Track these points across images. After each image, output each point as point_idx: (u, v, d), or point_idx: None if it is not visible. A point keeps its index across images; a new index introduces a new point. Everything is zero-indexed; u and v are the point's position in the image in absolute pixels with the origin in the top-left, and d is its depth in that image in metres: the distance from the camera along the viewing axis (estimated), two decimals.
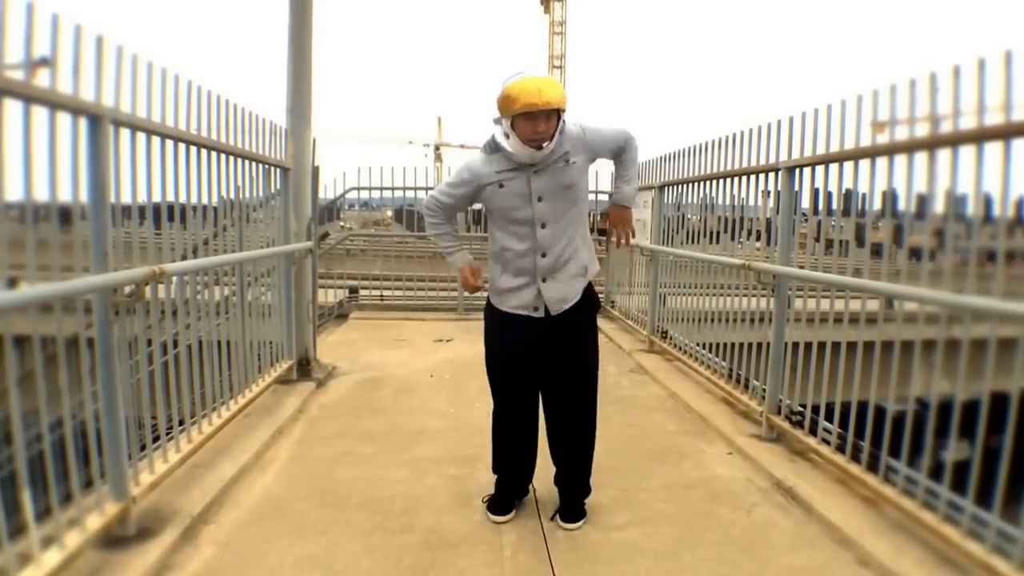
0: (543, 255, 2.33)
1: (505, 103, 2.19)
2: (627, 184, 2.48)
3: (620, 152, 2.44)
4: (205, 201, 2.95)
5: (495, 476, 2.60)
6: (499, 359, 2.48)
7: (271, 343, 3.86)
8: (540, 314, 2.36)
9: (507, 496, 2.54)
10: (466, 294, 7.09)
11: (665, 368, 4.74)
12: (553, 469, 2.56)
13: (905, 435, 2.37)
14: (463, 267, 2.51)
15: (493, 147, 2.32)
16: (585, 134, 2.33)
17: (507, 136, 2.24)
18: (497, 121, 2.28)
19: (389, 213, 14.41)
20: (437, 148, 54.51)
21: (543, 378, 2.46)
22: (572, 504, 2.48)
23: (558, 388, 2.44)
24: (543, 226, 2.31)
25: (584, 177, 2.38)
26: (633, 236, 2.55)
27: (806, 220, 3.49)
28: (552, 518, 2.48)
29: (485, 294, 2.52)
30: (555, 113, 2.19)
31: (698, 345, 4.50)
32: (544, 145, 2.21)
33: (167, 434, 2.56)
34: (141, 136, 2.36)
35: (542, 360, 2.41)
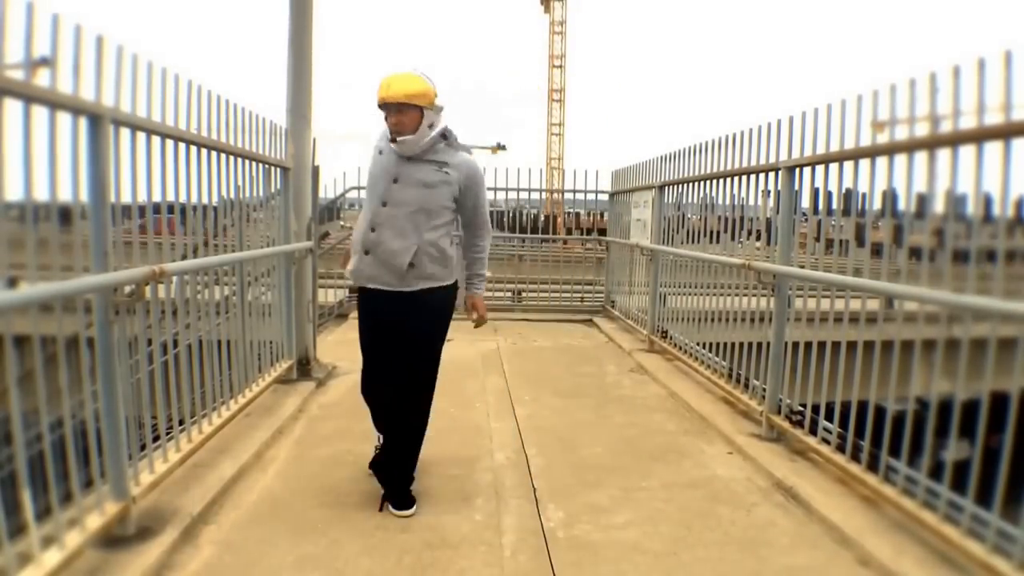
0: (372, 229, 2.46)
1: (377, 97, 2.41)
2: (478, 279, 2.76)
3: (473, 233, 2.62)
4: (205, 201, 2.95)
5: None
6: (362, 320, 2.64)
7: (271, 343, 3.86)
8: (350, 281, 2.56)
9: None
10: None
11: (665, 368, 4.74)
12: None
13: (905, 435, 2.37)
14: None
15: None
16: (470, 173, 2.50)
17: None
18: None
19: None
20: None
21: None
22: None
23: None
24: (384, 204, 2.45)
25: (445, 194, 2.46)
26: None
27: (806, 220, 3.50)
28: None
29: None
30: (406, 107, 2.33)
31: (698, 345, 4.50)
32: (399, 138, 2.36)
33: (167, 434, 2.56)
34: (141, 136, 2.35)
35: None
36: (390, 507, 2.50)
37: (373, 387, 2.66)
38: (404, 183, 2.43)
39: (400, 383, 2.54)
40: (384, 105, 2.37)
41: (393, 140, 2.39)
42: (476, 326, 2.74)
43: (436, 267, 2.50)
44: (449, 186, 2.46)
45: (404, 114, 2.34)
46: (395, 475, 2.56)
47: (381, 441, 2.70)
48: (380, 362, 2.58)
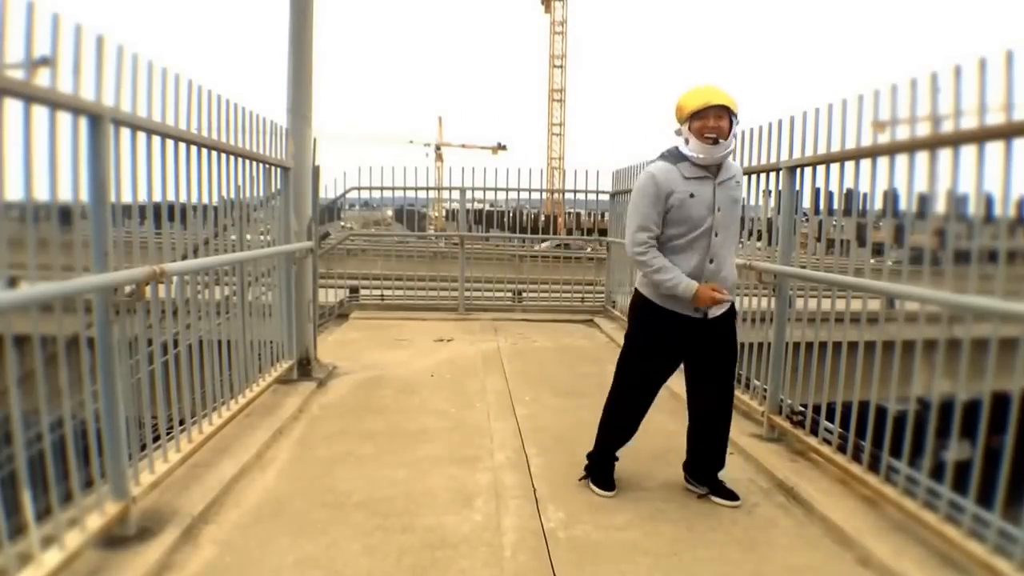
0: (711, 261, 2.52)
1: (679, 111, 2.50)
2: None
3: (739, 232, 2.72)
4: (206, 201, 2.95)
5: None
6: (651, 351, 2.66)
7: (271, 343, 3.86)
8: (700, 316, 2.55)
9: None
10: (466, 293, 7.10)
11: None
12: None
13: (906, 435, 2.37)
14: (699, 289, 2.48)
15: (677, 156, 2.54)
16: (740, 177, 2.64)
17: (687, 142, 2.49)
18: (678, 132, 2.54)
19: (389, 213, 14.43)
20: (438, 148, 54.57)
21: (691, 368, 2.71)
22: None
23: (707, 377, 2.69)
24: (717, 235, 2.51)
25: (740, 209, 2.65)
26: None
27: (807, 220, 3.49)
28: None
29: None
30: (724, 111, 2.44)
31: None
32: (720, 141, 2.43)
33: (167, 434, 2.56)
34: (141, 136, 2.36)
35: (691, 354, 2.67)
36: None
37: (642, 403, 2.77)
38: (724, 210, 2.54)
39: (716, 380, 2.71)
40: (703, 111, 2.43)
41: (715, 141, 2.43)
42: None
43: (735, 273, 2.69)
44: (740, 193, 2.64)
45: (722, 119, 2.45)
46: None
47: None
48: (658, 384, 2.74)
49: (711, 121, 2.41)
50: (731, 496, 2.64)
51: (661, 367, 2.68)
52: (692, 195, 2.47)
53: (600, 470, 2.76)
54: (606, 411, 2.79)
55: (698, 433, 2.74)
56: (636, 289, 2.67)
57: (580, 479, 2.79)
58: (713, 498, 2.65)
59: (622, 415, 2.76)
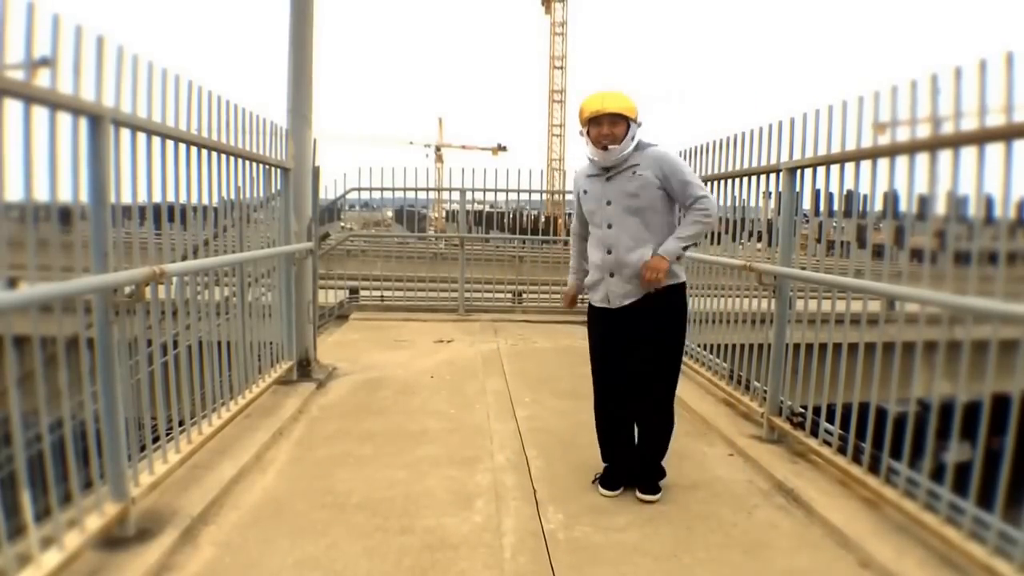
0: (608, 251, 2.62)
1: (579, 115, 2.62)
2: (674, 239, 2.58)
3: (688, 203, 2.58)
4: (206, 201, 2.95)
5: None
6: (591, 346, 2.79)
7: (271, 344, 3.86)
8: (609, 306, 2.65)
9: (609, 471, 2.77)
10: (466, 294, 7.10)
11: None
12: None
13: (906, 437, 2.36)
14: (567, 290, 2.92)
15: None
16: (663, 160, 2.59)
17: (587, 145, 2.61)
18: (581, 134, 2.64)
19: (389, 214, 14.43)
20: (438, 149, 54.56)
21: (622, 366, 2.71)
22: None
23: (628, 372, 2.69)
24: (609, 226, 2.62)
25: (651, 191, 2.57)
26: (658, 282, 2.56)
27: (807, 221, 3.49)
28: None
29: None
30: (618, 119, 2.53)
31: (699, 346, 4.50)
32: (611, 147, 2.53)
33: (167, 435, 2.56)
34: (141, 136, 2.35)
35: (616, 349, 2.69)
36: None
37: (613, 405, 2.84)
38: (616, 203, 2.61)
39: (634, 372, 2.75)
40: (594, 119, 2.55)
41: (606, 147, 2.54)
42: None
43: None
44: (647, 183, 2.58)
45: (616, 126, 2.54)
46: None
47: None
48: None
49: (604, 128, 2.53)
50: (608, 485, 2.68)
51: (598, 364, 2.76)
52: (585, 191, 2.70)
53: (604, 470, 2.78)
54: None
55: (629, 437, 2.77)
56: None
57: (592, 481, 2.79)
58: (599, 487, 2.71)
59: (595, 417, 2.84)
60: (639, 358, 2.63)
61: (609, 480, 2.71)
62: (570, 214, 10.00)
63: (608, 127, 2.53)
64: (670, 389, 2.72)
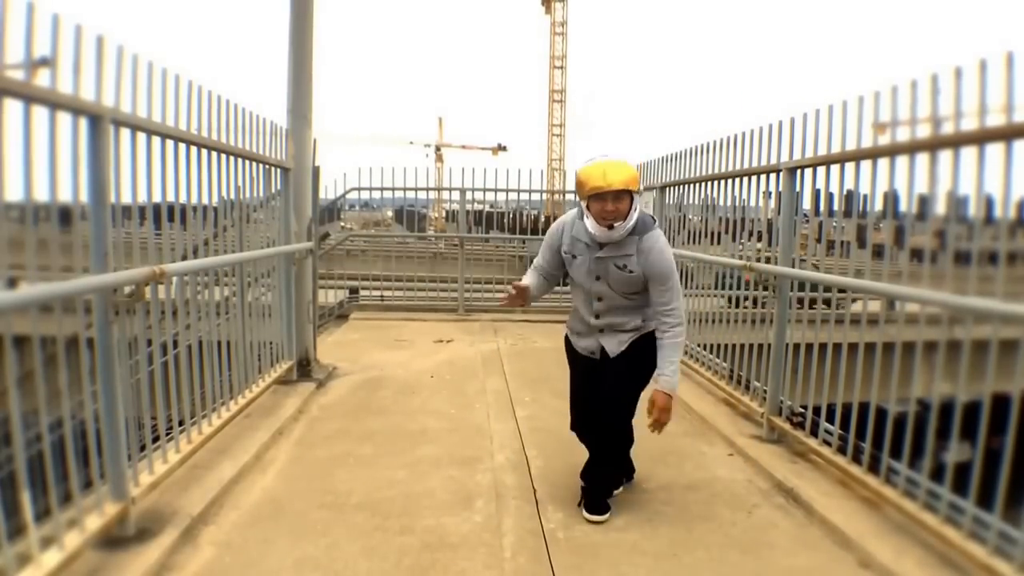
0: (597, 316, 2.56)
1: (578, 187, 2.43)
2: (667, 372, 2.46)
3: (659, 309, 2.47)
4: (205, 201, 2.94)
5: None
6: (574, 385, 2.74)
7: (271, 343, 3.86)
8: (597, 357, 2.60)
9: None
10: (466, 294, 7.09)
11: None
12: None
13: (906, 437, 2.36)
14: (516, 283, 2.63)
15: (580, 215, 2.50)
16: (655, 263, 2.42)
17: (587, 217, 2.43)
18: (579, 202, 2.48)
19: (389, 213, 14.43)
20: (438, 148, 54.56)
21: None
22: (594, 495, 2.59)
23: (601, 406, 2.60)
24: (599, 299, 2.53)
25: (638, 282, 2.45)
26: (665, 424, 2.51)
27: (807, 221, 3.49)
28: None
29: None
30: (623, 194, 2.34)
31: (699, 346, 4.50)
32: (616, 224, 2.36)
33: (167, 435, 2.56)
34: (141, 136, 2.35)
35: (598, 386, 2.62)
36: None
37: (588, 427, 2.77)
38: (604, 279, 2.49)
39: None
40: (597, 195, 2.34)
41: (610, 226, 2.36)
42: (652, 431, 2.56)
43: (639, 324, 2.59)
44: (636, 278, 2.46)
45: (620, 201, 2.36)
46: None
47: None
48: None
49: (609, 205, 2.34)
50: (593, 510, 2.52)
51: (579, 400, 2.70)
52: (574, 257, 2.52)
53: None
54: None
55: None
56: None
57: None
58: (584, 513, 2.53)
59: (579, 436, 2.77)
60: (614, 389, 2.56)
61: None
62: None
63: (612, 203, 2.34)
64: (624, 417, 2.64)
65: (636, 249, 2.42)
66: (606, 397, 2.57)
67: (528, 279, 2.64)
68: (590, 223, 2.41)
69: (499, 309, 7.17)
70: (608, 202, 2.34)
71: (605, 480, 2.61)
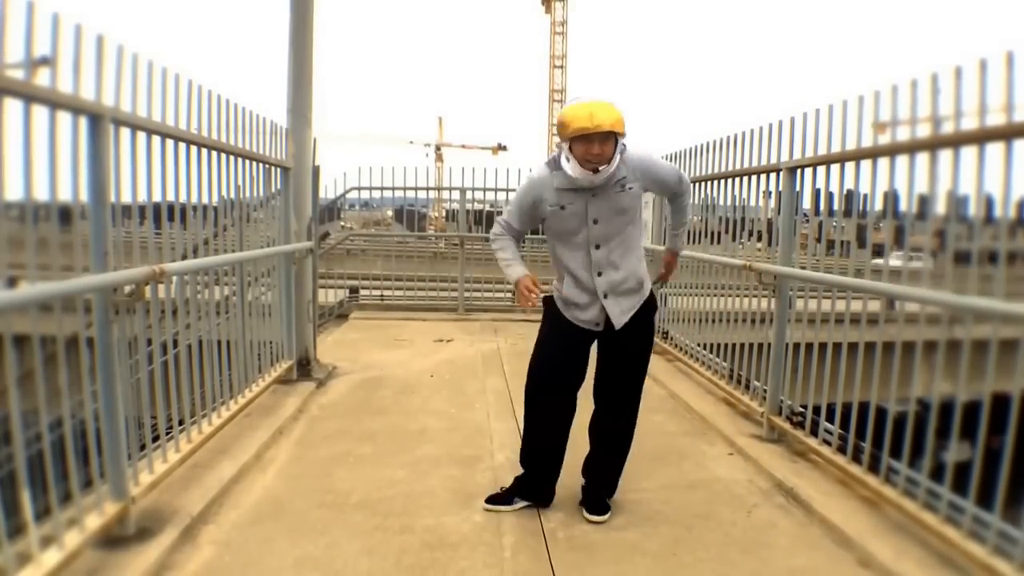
0: (599, 274, 2.39)
1: (560, 128, 2.27)
2: (681, 234, 2.69)
3: (676, 196, 2.55)
4: (205, 201, 2.95)
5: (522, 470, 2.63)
6: (550, 361, 2.53)
7: (271, 343, 3.86)
8: (601, 328, 2.45)
9: (527, 490, 2.58)
10: (466, 294, 7.09)
11: (666, 368, 4.73)
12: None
13: (906, 436, 2.36)
14: (520, 279, 2.46)
15: (556, 164, 2.36)
16: (648, 167, 2.39)
17: (567, 160, 2.29)
18: (559, 145, 2.35)
19: (389, 213, 14.42)
20: (438, 148, 54.55)
21: (599, 381, 2.56)
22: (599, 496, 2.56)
23: (610, 391, 2.55)
24: (597, 247, 2.38)
25: (638, 202, 2.42)
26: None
27: (807, 221, 3.49)
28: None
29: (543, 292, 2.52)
30: (610, 136, 2.23)
31: (699, 346, 4.50)
32: (601, 168, 2.25)
33: (167, 434, 2.56)
34: (141, 135, 2.35)
35: (583, 362, 2.53)
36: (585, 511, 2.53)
37: (562, 416, 2.64)
38: (604, 221, 2.37)
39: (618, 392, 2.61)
40: (583, 136, 2.21)
41: (595, 169, 2.25)
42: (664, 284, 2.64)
43: (642, 274, 2.51)
44: (636, 195, 2.39)
45: (606, 143, 2.24)
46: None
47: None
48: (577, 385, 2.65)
49: (595, 148, 2.21)
50: (596, 511, 2.50)
51: (562, 372, 2.55)
52: (563, 207, 2.35)
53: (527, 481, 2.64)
54: None
55: (590, 457, 2.61)
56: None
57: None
58: (585, 513, 2.51)
59: (536, 427, 2.63)
60: (627, 372, 2.50)
61: (509, 498, 2.55)
62: None
63: (599, 146, 2.21)
64: (639, 400, 2.58)
65: (626, 169, 2.33)
66: (621, 385, 2.51)
67: (516, 258, 2.52)
68: (572, 166, 2.26)
69: (499, 309, 7.18)
70: (595, 144, 2.21)
71: (615, 471, 2.59)
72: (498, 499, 2.56)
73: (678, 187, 2.50)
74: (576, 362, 2.52)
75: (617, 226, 2.37)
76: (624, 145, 2.32)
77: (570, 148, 2.26)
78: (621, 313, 2.42)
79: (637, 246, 2.47)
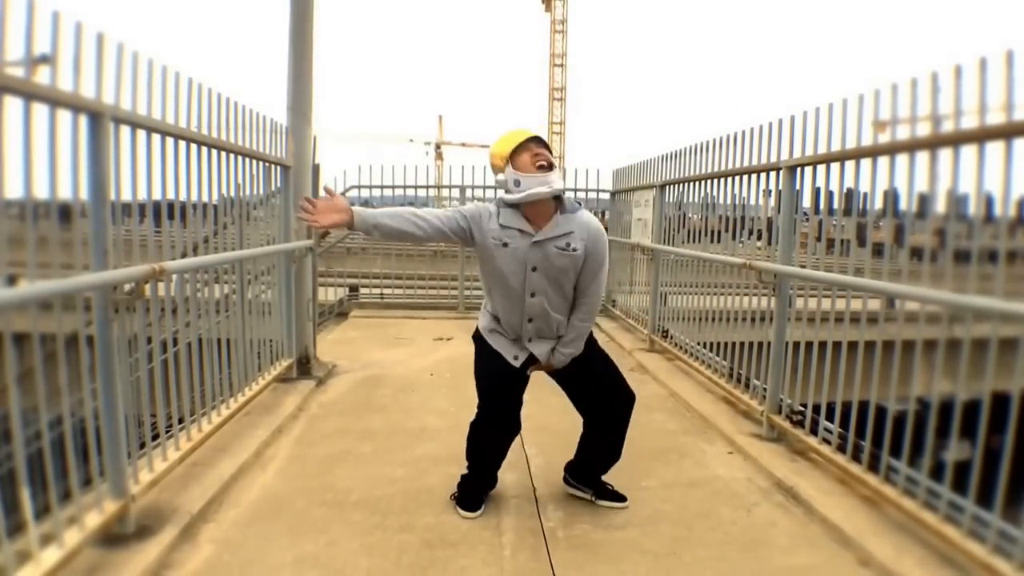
0: (530, 320, 2.38)
1: (496, 160, 2.32)
2: (569, 347, 2.45)
3: (583, 296, 2.40)
4: (205, 199, 2.94)
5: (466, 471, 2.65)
6: (492, 387, 2.53)
7: (271, 341, 3.86)
8: (519, 363, 2.45)
9: (480, 492, 2.62)
10: (466, 292, 7.09)
11: (666, 367, 4.74)
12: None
13: (906, 435, 2.37)
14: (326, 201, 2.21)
15: (502, 203, 2.34)
16: (594, 231, 2.34)
17: (517, 184, 2.27)
18: (501, 183, 2.33)
19: None
20: (438, 146, 54.47)
21: (572, 399, 2.64)
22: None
23: (586, 400, 2.61)
24: (533, 295, 2.34)
25: (576, 269, 2.34)
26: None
27: (807, 219, 3.49)
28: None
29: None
30: (542, 141, 2.32)
31: (699, 344, 4.50)
32: (552, 172, 2.26)
33: (167, 432, 2.56)
34: (141, 134, 2.35)
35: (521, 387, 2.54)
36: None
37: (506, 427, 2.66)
38: (542, 271, 2.33)
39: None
40: (523, 144, 2.28)
41: (546, 167, 2.26)
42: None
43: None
44: (577, 259, 2.35)
45: (544, 148, 2.32)
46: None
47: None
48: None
49: (535, 149, 2.28)
50: (617, 498, 2.61)
51: (500, 397, 2.55)
52: (505, 244, 2.29)
53: (474, 489, 2.66)
54: None
55: (588, 435, 2.63)
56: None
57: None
58: (599, 501, 2.59)
59: (480, 442, 2.69)
60: (590, 377, 2.53)
61: (477, 502, 2.56)
62: None
63: (537, 147, 2.29)
64: (621, 378, 2.59)
65: (577, 225, 2.31)
66: (592, 389, 2.54)
67: (378, 212, 2.25)
68: (525, 181, 2.24)
69: None
70: (533, 146, 2.28)
71: (618, 448, 2.61)
72: (467, 508, 2.54)
73: (591, 280, 2.37)
74: (514, 393, 2.53)
75: (555, 282, 2.34)
76: (579, 204, 2.37)
77: (515, 166, 2.27)
78: (550, 351, 2.45)
79: (569, 302, 2.41)
